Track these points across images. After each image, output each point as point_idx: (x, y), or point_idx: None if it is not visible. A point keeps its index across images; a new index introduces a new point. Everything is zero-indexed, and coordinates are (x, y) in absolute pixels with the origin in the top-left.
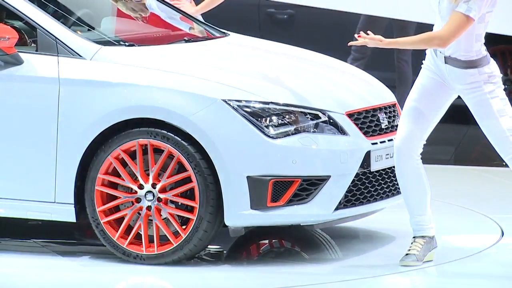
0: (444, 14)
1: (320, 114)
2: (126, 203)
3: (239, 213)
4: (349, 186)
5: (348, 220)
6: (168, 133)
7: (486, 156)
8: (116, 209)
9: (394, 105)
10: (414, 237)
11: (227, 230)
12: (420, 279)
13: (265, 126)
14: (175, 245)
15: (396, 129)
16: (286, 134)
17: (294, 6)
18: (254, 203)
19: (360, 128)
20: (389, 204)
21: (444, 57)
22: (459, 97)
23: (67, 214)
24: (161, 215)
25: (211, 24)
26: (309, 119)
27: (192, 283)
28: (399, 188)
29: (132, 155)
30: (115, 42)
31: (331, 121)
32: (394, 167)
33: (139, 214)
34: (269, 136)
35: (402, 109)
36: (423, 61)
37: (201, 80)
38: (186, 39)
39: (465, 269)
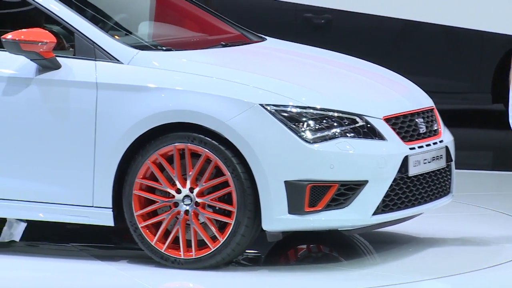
0: None
1: (358, 119)
2: (163, 208)
3: (277, 218)
4: (387, 191)
5: (386, 225)
6: (206, 138)
7: None
8: (154, 213)
9: (431, 110)
10: None
11: (265, 235)
12: (460, 284)
13: (302, 130)
14: (213, 249)
15: (434, 134)
16: (324, 139)
17: (332, 10)
18: (291, 208)
19: (398, 133)
20: (427, 209)
21: None
22: (499, 101)
23: (105, 218)
24: (198, 220)
25: (248, 28)
26: (346, 123)
27: (230, 287)
28: (437, 193)
29: (170, 159)
30: (152, 47)
31: (369, 125)
32: (432, 172)
33: (177, 218)
34: (306, 141)
35: None
36: None
37: (239, 84)
38: (224, 43)
39: (504, 275)
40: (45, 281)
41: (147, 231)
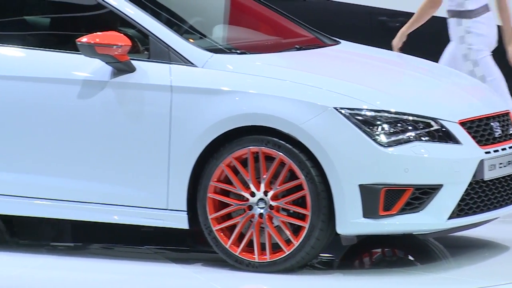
0: None
1: (433, 123)
2: (238, 211)
3: (351, 222)
4: (462, 195)
5: (461, 230)
6: (280, 141)
7: None
8: (228, 216)
9: (507, 114)
10: None
11: (339, 238)
12: None
13: (377, 134)
14: (287, 253)
15: (509, 138)
16: (398, 143)
17: (406, 14)
18: (366, 212)
19: (473, 137)
20: (503, 214)
21: None
22: None
23: (180, 221)
24: (273, 223)
25: (322, 32)
26: (421, 127)
27: None
28: None
29: (244, 162)
30: (226, 50)
31: (444, 129)
32: (507, 176)
33: (251, 221)
34: (381, 145)
35: None
36: None
37: (313, 88)
38: (298, 47)
39: None
40: (120, 284)
41: (221, 234)
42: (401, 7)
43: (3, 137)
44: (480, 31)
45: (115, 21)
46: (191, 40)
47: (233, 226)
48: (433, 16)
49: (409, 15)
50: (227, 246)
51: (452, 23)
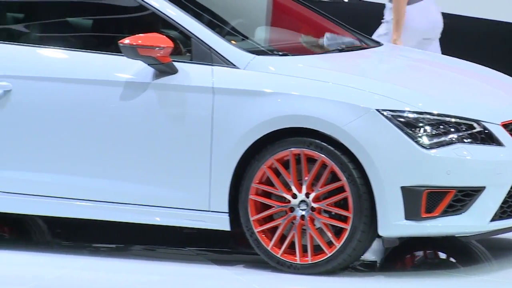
0: None
1: (475, 125)
2: (279, 213)
3: (393, 224)
4: (505, 197)
5: (504, 232)
6: (322, 143)
7: None
8: (270, 218)
9: None
10: None
11: (381, 240)
12: None
13: (419, 136)
14: (329, 254)
15: None
16: (441, 145)
17: (450, 16)
18: (408, 214)
19: None
20: None
21: None
22: None
23: (222, 223)
24: (314, 225)
25: (364, 33)
26: (463, 129)
27: None
28: None
29: (285, 164)
30: (268, 52)
31: (486, 131)
32: None
33: (293, 223)
34: (423, 147)
35: None
36: None
37: (355, 89)
38: (340, 48)
39: None
40: (162, 285)
41: (263, 236)
42: (445, 9)
43: (45, 138)
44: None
45: (157, 22)
46: (233, 42)
47: (275, 228)
48: (478, 18)
49: (452, 17)
50: (268, 248)
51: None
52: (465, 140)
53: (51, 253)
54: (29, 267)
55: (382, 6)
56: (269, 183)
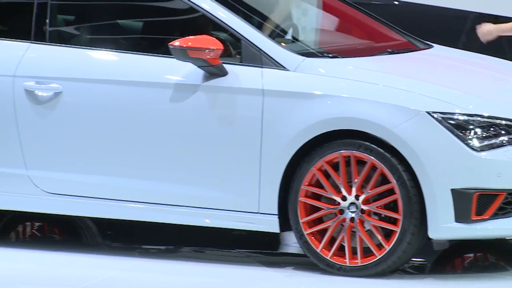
0: None
1: None
2: (329, 215)
3: (443, 226)
4: None
5: None
6: (372, 145)
7: None
8: (319, 220)
9: None
10: None
11: (431, 243)
12: None
13: (469, 138)
14: (378, 257)
15: None
16: (491, 147)
17: (500, 17)
18: (458, 216)
19: None
20: None
21: None
22: None
23: (271, 225)
24: (364, 227)
25: (415, 35)
26: None
27: None
28: None
29: (335, 166)
30: (318, 54)
31: None
32: None
33: (342, 225)
34: (473, 149)
35: None
36: None
37: (405, 92)
38: (390, 50)
39: None
40: (212, 287)
41: (313, 238)
42: (494, 11)
43: (97, 141)
44: None
45: (207, 25)
46: (283, 44)
47: (324, 230)
48: None
49: (504, 18)
50: (318, 250)
51: None
52: None
53: (101, 254)
54: (79, 268)
55: (433, 8)
56: (318, 185)
